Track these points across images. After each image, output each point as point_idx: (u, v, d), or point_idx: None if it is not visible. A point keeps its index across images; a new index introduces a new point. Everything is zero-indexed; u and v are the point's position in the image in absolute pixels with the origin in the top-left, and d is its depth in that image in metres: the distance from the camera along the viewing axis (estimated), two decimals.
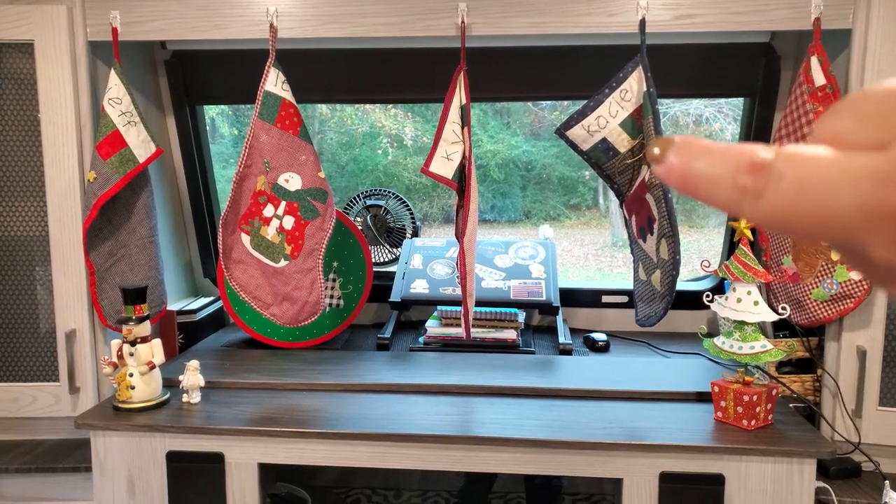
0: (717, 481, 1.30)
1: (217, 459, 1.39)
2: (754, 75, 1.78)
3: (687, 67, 1.81)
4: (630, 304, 2.09)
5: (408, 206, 2.31)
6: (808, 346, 1.60)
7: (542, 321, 2.17)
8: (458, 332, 1.87)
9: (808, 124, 1.42)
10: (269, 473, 1.46)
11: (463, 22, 1.52)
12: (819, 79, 1.41)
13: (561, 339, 1.89)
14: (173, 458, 1.41)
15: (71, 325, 1.67)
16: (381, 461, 1.37)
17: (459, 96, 1.53)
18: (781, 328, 1.67)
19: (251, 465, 1.39)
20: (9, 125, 1.66)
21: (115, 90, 1.64)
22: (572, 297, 2.13)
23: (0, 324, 1.70)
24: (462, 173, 1.53)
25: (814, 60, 1.42)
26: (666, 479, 1.30)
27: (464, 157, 1.53)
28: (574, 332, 2.07)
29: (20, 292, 1.70)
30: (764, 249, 1.61)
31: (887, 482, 1.39)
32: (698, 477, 1.30)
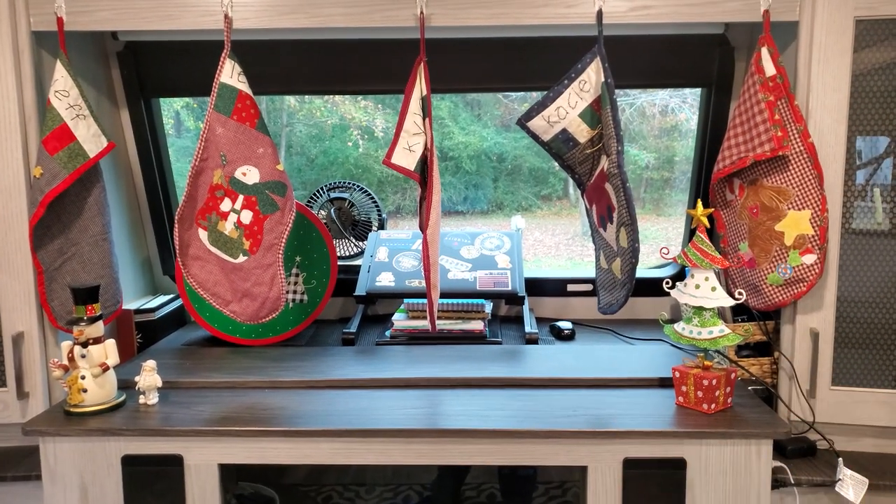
0: (678, 465, 1.31)
1: (175, 462, 1.36)
2: (710, 66, 1.81)
3: (645, 58, 1.83)
4: (594, 293, 2.11)
5: (373, 198, 2.29)
6: (765, 329, 1.63)
7: (510, 311, 2.17)
8: (425, 324, 1.86)
9: (761, 113, 1.45)
10: (231, 474, 1.43)
11: (422, 13, 1.50)
12: (769, 69, 1.44)
13: (527, 329, 1.90)
14: (129, 462, 1.36)
15: (18, 328, 1.60)
16: (345, 457, 1.36)
17: (420, 87, 1.52)
18: (740, 313, 1.70)
19: (211, 466, 1.36)
20: None
21: (62, 82, 1.58)
22: (538, 287, 2.14)
23: None
24: (424, 164, 1.52)
25: (764, 51, 1.45)
26: (629, 464, 1.32)
27: (426, 148, 1.52)
28: (541, 321, 2.08)
29: None
30: (721, 236, 1.65)
31: (840, 459, 1.43)
32: (661, 462, 1.32)
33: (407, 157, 1.51)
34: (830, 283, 1.50)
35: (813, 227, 1.45)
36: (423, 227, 1.52)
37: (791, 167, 1.45)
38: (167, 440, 1.36)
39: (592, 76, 1.52)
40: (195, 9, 1.55)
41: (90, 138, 1.60)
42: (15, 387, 1.61)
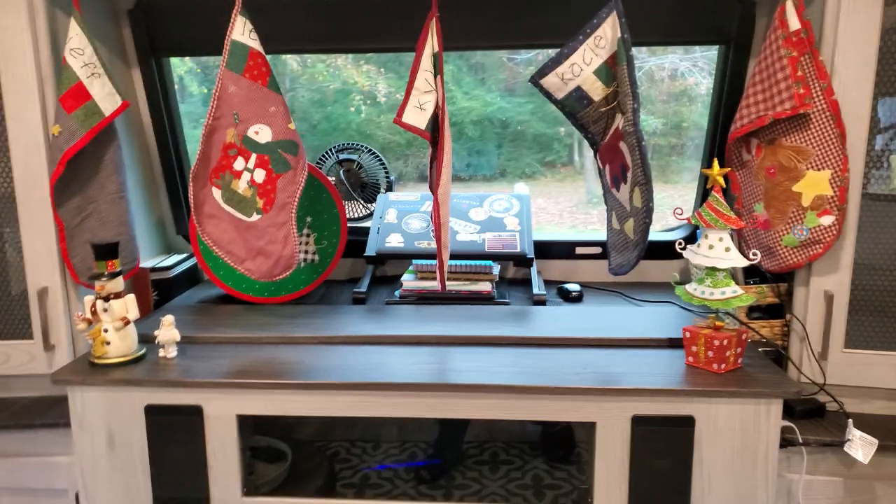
0: (687, 423, 1.33)
1: (195, 412, 1.40)
2: (729, 23, 1.77)
3: (660, 14, 1.79)
4: (603, 256, 2.11)
5: (381, 160, 2.29)
6: (777, 291, 1.63)
7: (517, 273, 2.18)
8: (434, 285, 1.88)
9: (783, 70, 1.42)
10: (248, 425, 1.47)
11: None
12: (794, 23, 1.41)
13: (535, 290, 1.91)
14: (152, 412, 1.41)
15: (42, 283, 1.64)
16: (360, 410, 1.39)
17: (432, 44, 1.51)
18: (752, 275, 1.70)
19: (230, 417, 1.40)
20: None
21: (77, 40, 1.59)
22: (547, 250, 2.15)
23: None
24: (435, 123, 1.52)
25: (789, 4, 1.41)
26: (638, 421, 1.34)
27: (437, 106, 1.51)
28: (548, 283, 2.09)
29: None
30: (736, 197, 1.63)
31: (850, 420, 1.44)
32: (669, 419, 1.34)
33: (418, 116, 1.51)
34: (848, 246, 1.49)
35: (832, 188, 1.43)
36: (433, 188, 1.53)
37: (812, 126, 1.43)
38: (187, 391, 1.40)
39: (608, 32, 1.49)
40: None
41: (105, 97, 1.61)
42: (41, 339, 1.66)
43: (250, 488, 1.47)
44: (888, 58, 1.43)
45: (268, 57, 1.60)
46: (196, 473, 1.43)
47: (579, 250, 2.13)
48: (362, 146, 2.31)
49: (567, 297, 1.94)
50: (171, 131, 2.10)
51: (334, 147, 2.29)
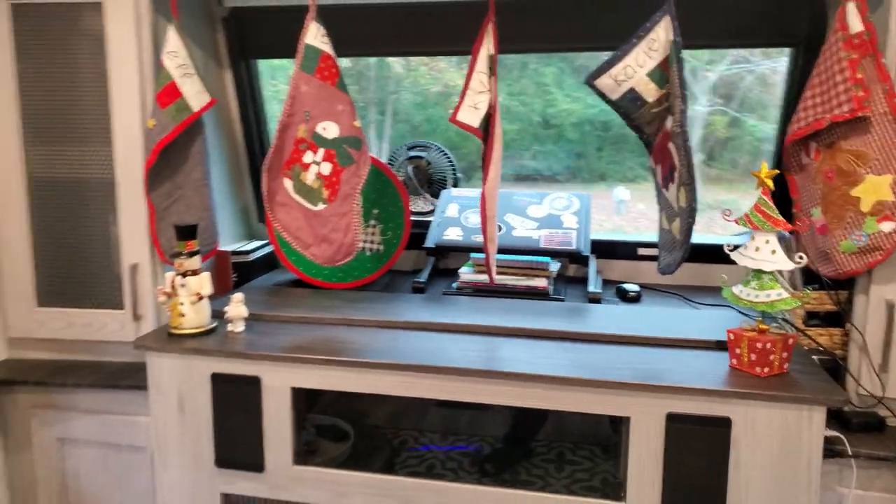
0: (723, 424, 1.32)
1: (254, 382, 1.53)
2: (799, 24, 1.73)
3: (730, 16, 1.77)
4: (651, 258, 2.10)
5: (449, 158, 2.37)
6: (836, 299, 1.57)
7: (578, 272, 2.20)
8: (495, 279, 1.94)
9: (842, 72, 1.38)
10: (304, 404, 1.58)
11: None
12: (855, 25, 1.37)
13: (590, 288, 1.93)
14: (217, 380, 1.55)
15: (134, 260, 1.84)
16: (406, 390, 1.47)
17: (487, 46, 1.57)
18: (812, 281, 1.65)
19: (285, 389, 1.52)
20: (82, 78, 1.81)
21: (173, 44, 1.77)
22: (609, 250, 2.16)
23: (76, 258, 1.89)
24: (487, 122, 1.58)
25: (850, 6, 1.38)
26: (673, 419, 1.34)
27: (490, 106, 1.57)
28: (609, 283, 2.09)
29: (94, 230, 1.88)
30: (794, 201, 1.59)
31: None
32: (705, 419, 1.33)
33: (472, 115, 1.57)
34: None
35: (894, 193, 1.38)
36: (483, 181, 1.59)
37: (873, 129, 1.38)
38: (248, 363, 1.53)
39: (662, 34, 1.50)
40: None
41: (195, 95, 1.78)
42: (131, 310, 1.85)
43: (301, 458, 1.58)
44: None
45: (353, 61, 1.71)
46: (253, 439, 1.55)
47: (641, 251, 2.12)
48: (432, 144, 2.40)
49: (625, 296, 1.95)
50: (257, 126, 2.27)
51: (406, 145, 2.40)
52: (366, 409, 1.99)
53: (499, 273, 1.95)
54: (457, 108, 1.59)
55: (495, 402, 1.44)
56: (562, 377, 1.38)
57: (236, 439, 1.56)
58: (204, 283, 1.63)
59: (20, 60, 1.82)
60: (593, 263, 2.06)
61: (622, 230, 3.74)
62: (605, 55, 1.60)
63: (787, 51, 1.89)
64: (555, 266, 2.00)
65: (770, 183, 1.37)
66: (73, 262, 1.89)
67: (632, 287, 1.97)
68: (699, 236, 1.94)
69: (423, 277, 2.03)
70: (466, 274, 1.97)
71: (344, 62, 1.86)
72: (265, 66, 2.32)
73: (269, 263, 2.27)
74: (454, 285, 1.99)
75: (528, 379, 1.40)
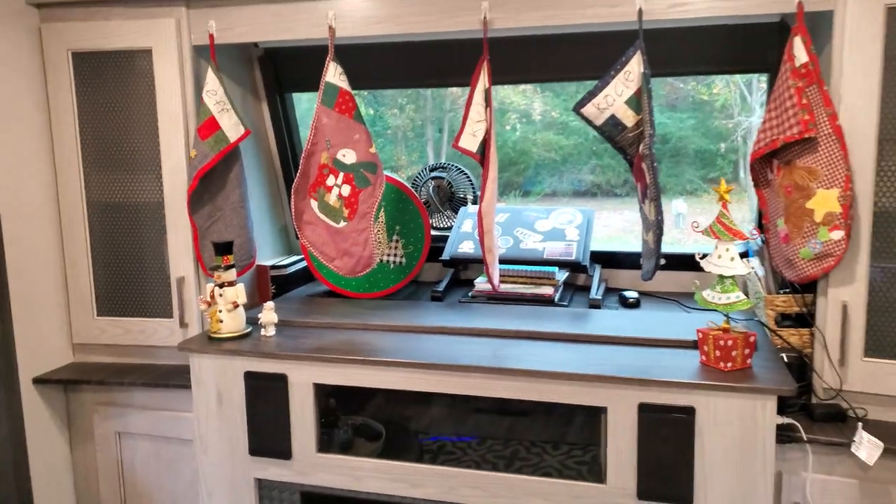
0: (688, 412, 1.49)
1: (282, 379, 1.76)
2: (771, 51, 1.89)
3: (708, 45, 1.95)
4: (667, 266, 2.26)
5: (468, 176, 2.58)
6: (802, 301, 1.72)
7: (586, 281, 2.38)
8: (503, 288, 2.13)
9: (790, 98, 1.55)
10: (323, 392, 1.79)
11: (485, 17, 1.76)
12: (801, 57, 1.54)
13: (591, 295, 2.10)
14: (249, 377, 1.78)
15: (181, 273, 2.10)
16: (412, 384, 1.67)
17: (483, 81, 1.78)
18: (785, 286, 1.80)
19: (308, 385, 1.75)
20: (134, 114, 2.09)
21: (212, 83, 2.03)
22: (615, 260, 2.33)
23: (132, 272, 2.16)
24: (483, 147, 1.79)
25: (797, 40, 1.55)
26: (644, 408, 1.52)
27: (486, 132, 1.78)
28: (614, 290, 2.26)
29: (145, 247, 2.15)
30: (763, 213, 1.75)
31: (860, 423, 1.53)
32: (672, 408, 1.50)
33: (471, 141, 1.79)
34: (862, 258, 1.57)
35: (840, 205, 1.53)
36: (479, 200, 1.79)
37: (820, 148, 1.54)
38: (277, 362, 1.76)
39: (635, 67, 1.69)
40: (307, 21, 1.93)
41: (231, 127, 2.04)
42: (178, 318, 2.11)
43: (323, 446, 1.80)
44: (892, 85, 1.52)
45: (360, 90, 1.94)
46: (281, 430, 1.78)
47: None
48: (452, 165, 2.62)
49: (625, 303, 2.12)
50: (292, 153, 2.53)
51: (428, 166, 2.62)
52: (407, 417, 2.16)
53: (508, 282, 2.15)
54: (458, 136, 1.80)
55: (489, 394, 1.63)
56: (545, 371, 1.57)
57: (267, 429, 1.79)
58: (239, 293, 1.87)
59: (80, 100, 2.11)
60: (597, 272, 2.24)
61: (680, 243, 3.81)
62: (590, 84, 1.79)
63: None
64: (561, 275, 2.19)
65: (728, 197, 1.54)
66: (128, 277, 2.17)
67: (631, 294, 2.14)
68: (705, 247, 2.08)
69: (442, 287, 2.24)
70: (481, 284, 2.17)
71: None
72: (304, 98, 2.58)
73: (305, 276, 2.51)
74: (469, 294, 2.19)
75: (516, 374, 1.59)
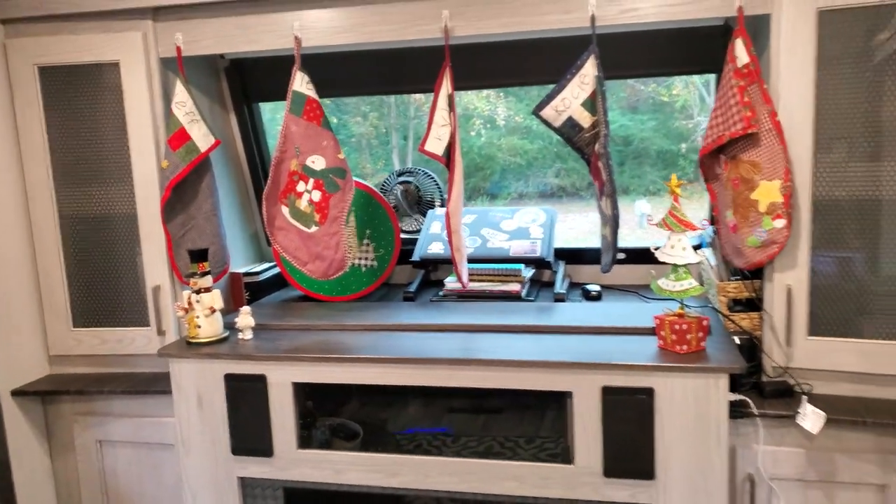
0: (648, 393, 1.59)
1: (261, 380, 1.81)
2: (717, 53, 2.01)
3: (657, 48, 2.06)
4: (627, 261, 2.37)
5: (435, 180, 2.66)
6: (752, 287, 1.84)
7: (551, 277, 2.47)
8: (472, 286, 2.21)
9: (734, 96, 1.66)
10: (301, 391, 1.85)
11: (446, 26, 1.84)
12: (742, 58, 1.65)
13: (556, 290, 2.20)
14: (229, 379, 1.84)
15: (156, 282, 2.14)
16: (383, 378, 1.74)
17: (446, 87, 1.86)
18: (736, 273, 1.91)
19: (286, 384, 1.80)
20: (104, 127, 2.13)
21: (181, 95, 2.07)
22: (579, 256, 2.43)
23: (107, 283, 2.19)
24: (449, 150, 1.87)
25: (738, 42, 1.66)
26: (607, 391, 1.61)
27: (451, 136, 1.86)
28: (577, 285, 2.36)
29: (120, 258, 2.18)
30: (713, 206, 1.86)
31: (805, 397, 1.64)
32: (633, 390, 1.60)
33: (436, 145, 1.86)
34: (803, 245, 1.69)
35: (782, 195, 1.65)
36: (446, 201, 1.87)
37: (762, 143, 1.66)
38: (255, 363, 1.82)
39: (590, 70, 1.79)
40: (273, 33, 1.98)
41: (201, 137, 2.09)
42: (156, 326, 2.15)
43: (303, 442, 1.86)
44: (826, 82, 1.65)
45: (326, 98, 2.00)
46: (262, 428, 1.83)
47: None
48: (419, 170, 2.69)
49: (588, 295, 2.22)
50: (261, 161, 2.58)
51: (395, 171, 2.69)
52: (385, 418, 2.22)
53: (477, 280, 2.24)
54: (424, 140, 1.88)
55: (462, 385, 1.70)
56: (511, 360, 1.65)
57: (248, 429, 1.84)
58: (216, 298, 1.92)
59: (48, 114, 2.13)
60: (561, 268, 2.34)
61: (646, 241, 3.88)
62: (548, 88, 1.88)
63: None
64: (528, 272, 2.28)
65: (678, 191, 1.65)
66: (103, 287, 2.20)
67: (593, 287, 2.24)
68: (662, 241, 2.19)
69: (413, 288, 2.32)
70: (451, 283, 2.25)
71: None
72: (268, 108, 2.63)
73: (278, 283, 2.56)
74: (440, 293, 2.27)
75: (484, 364, 1.67)
